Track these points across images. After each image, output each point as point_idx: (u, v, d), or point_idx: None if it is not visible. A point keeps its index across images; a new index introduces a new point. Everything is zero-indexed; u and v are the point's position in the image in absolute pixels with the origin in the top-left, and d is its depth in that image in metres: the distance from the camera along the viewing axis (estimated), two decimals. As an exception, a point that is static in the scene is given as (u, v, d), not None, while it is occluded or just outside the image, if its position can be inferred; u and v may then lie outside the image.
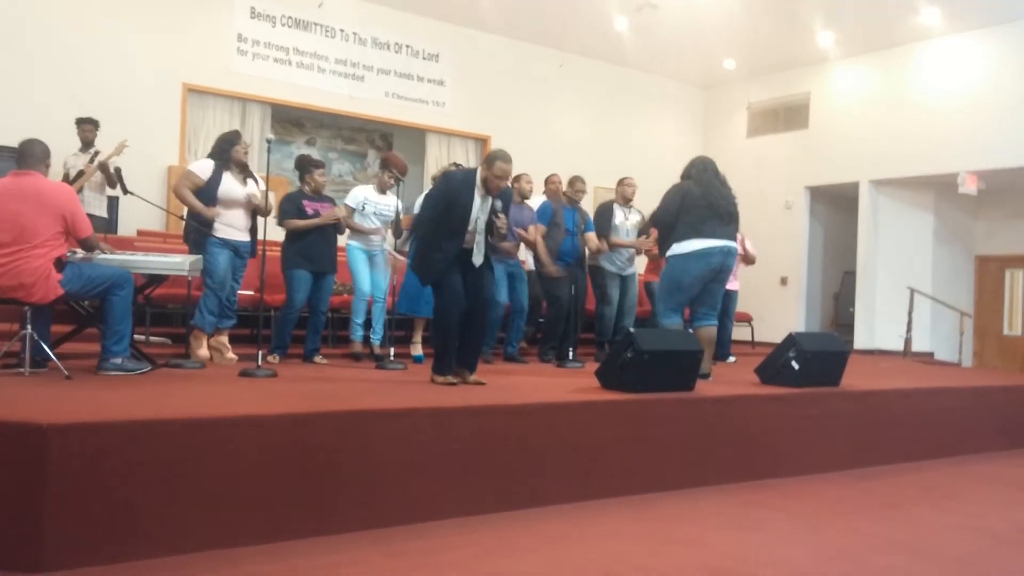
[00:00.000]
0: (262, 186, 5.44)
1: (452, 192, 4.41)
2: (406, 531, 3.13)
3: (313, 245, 5.68)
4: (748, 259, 7.73)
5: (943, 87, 10.20)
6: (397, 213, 5.88)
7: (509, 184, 4.64)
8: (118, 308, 4.31)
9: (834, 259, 12.12)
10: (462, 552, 2.93)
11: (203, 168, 5.23)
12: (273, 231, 5.42)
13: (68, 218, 4.19)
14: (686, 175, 5.33)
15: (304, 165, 5.94)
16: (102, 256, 4.46)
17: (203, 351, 5.24)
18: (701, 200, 5.12)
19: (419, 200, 6.16)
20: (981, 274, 11.57)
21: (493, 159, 4.40)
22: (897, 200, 11.06)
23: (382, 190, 6.06)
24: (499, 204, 4.49)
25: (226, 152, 5.29)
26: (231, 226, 5.24)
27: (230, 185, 5.23)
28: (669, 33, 10.47)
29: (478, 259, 4.46)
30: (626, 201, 7.00)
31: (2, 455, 2.62)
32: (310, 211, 5.69)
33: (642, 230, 6.86)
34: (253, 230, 5.42)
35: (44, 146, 4.36)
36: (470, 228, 4.41)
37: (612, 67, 11.69)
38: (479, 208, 4.41)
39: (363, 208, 6.00)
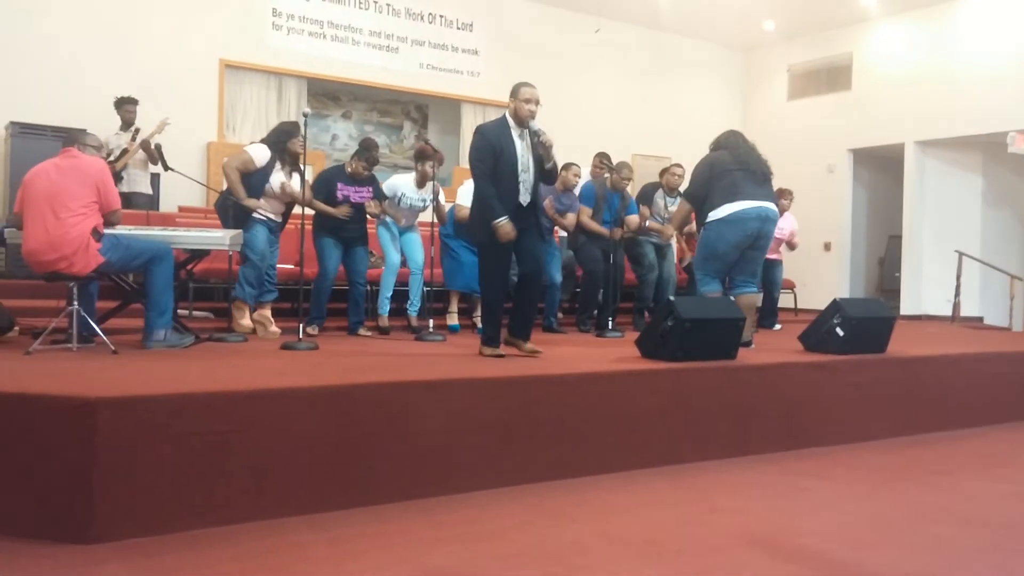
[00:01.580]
0: (307, 181, 5.47)
1: (494, 140, 4.32)
2: (448, 501, 3.15)
3: (341, 220, 5.64)
4: (791, 244, 7.69)
5: (991, 43, 9.77)
6: (436, 194, 5.94)
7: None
8: (160, 281, 4.40)
9: (879, 223, 11.82)
10: (504, 521, 2.94)
11: (261, 155, 5.24)
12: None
13: (101, 188, 4.28)
14: (715, 147, 5.28)
15: (363, 151, 5.72)
16: (143, 231, 4.54)
17: (246, 321, 5.31)
18: (732, 164, 5.05)
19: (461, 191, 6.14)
20: (1033, 237, 11.20)
21: (517, 88, 4.37)
22: (944, 161, 10.71)
23: (422, 183, 6.02)
24: (535, 126, 4.38)
25: (283, 143, 5.31)
26: (268, 210, 5.33)
27: (278, 182, 5.29)
28: (706, -5, 10.22)
29: (525, 198, 4.40)
30: (671, 190, 6.90)
31: (53, 429, 2.69)
32: (340, 196, 5.63)
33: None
34: (285, 214, 5.51)
35: (98, 140, 4.69)
36: (521, 170, 4.34)
37: (649, 32, 11.44)
38: (521, 147, 4.37)
39: (398, 201, 5.99)
